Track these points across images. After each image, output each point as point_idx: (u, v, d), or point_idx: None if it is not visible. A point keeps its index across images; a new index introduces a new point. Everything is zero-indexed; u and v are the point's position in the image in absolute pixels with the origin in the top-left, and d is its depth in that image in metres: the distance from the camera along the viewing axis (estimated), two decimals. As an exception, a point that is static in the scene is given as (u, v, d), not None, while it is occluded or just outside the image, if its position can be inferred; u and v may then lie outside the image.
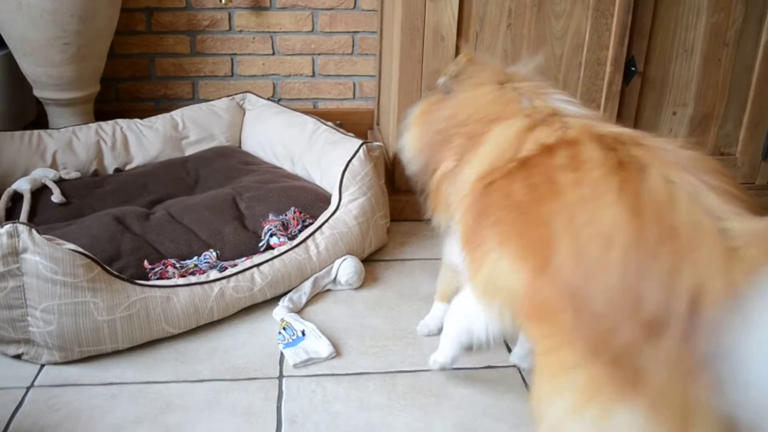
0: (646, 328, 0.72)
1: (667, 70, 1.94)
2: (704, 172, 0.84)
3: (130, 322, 1.34)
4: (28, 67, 2.04)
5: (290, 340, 1.38)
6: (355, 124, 2.48)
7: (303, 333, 1.40)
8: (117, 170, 2.03)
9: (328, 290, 1.60)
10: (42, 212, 1.72)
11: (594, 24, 1.85)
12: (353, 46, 2.47)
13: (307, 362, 1.34)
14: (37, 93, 2.10)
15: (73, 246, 1.31)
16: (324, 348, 1.37)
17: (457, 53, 1.84)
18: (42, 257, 1.26)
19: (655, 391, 0.72)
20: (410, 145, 1.31)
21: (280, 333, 1.41)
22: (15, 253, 1.26)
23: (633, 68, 1.89)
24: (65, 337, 1.29)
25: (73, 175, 1.92)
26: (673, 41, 1.91)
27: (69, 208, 1.75)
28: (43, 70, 2.01)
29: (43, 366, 1.32)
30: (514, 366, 1.36)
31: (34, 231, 1.27)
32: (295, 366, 1.33)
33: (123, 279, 1.36)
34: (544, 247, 0.86)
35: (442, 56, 1.83)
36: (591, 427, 0.77)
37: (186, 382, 1.29)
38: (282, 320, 1.44)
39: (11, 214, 1.70)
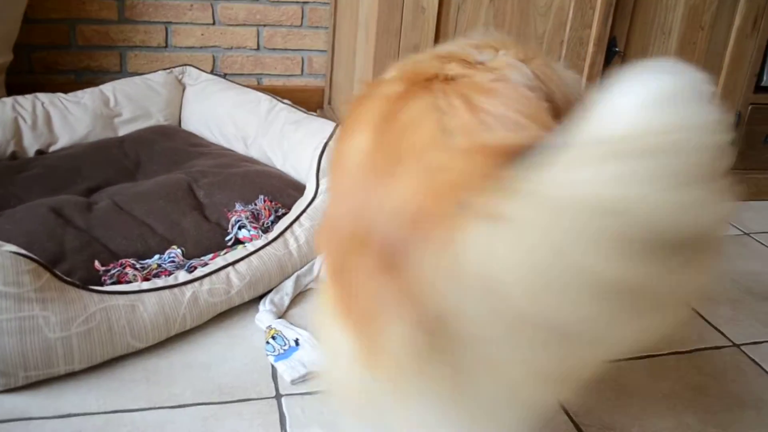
0: (359, 246, 0.68)
1: (646, 52, 1.87)
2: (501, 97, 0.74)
3: (88, 338, 1.10)
4: (-77, 27, 1.70)
5: (281, 351, 1.19)
6: (303, 102, 2.26)
7: (297, 342, 1.21)
8: (39, 152, 1.74)
9: (310, 289, 1.42)
10: (-45, 203, 1.42)
11: (578, 1, 1.75)
12: (303, 17, 2.26)
13: (306, 377, 1.16)
14: (-64, 60, 1.76)
15: (14, 248, 1.06)
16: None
17: (438, 27, 1.69)
18: (-23, 262, 1.00)
19: (359, 309, 0.69)
20: None
21: (268, 343, 1.21)
22: (-61, 257, 0.99)
23: (615, 48, 1.81)
24: (7, 361, 1.04)
25: (-12, 158, 1.62)
26: (653, 23, 1.85)
27: (-12, 197, 1.46)
28: (-56, 31, 1.69)
29: (-23, 396, 1.06)
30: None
31: (-36, 229, 1.01)
32: (293, 382, 1.14)
33: (78, 286, 1.12)
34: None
35: (421, 30, 1.67)
36: (328, 343, 0.76)
37: (164, 409, 1.08)
38: (270, 328, 1.24)
39: None
